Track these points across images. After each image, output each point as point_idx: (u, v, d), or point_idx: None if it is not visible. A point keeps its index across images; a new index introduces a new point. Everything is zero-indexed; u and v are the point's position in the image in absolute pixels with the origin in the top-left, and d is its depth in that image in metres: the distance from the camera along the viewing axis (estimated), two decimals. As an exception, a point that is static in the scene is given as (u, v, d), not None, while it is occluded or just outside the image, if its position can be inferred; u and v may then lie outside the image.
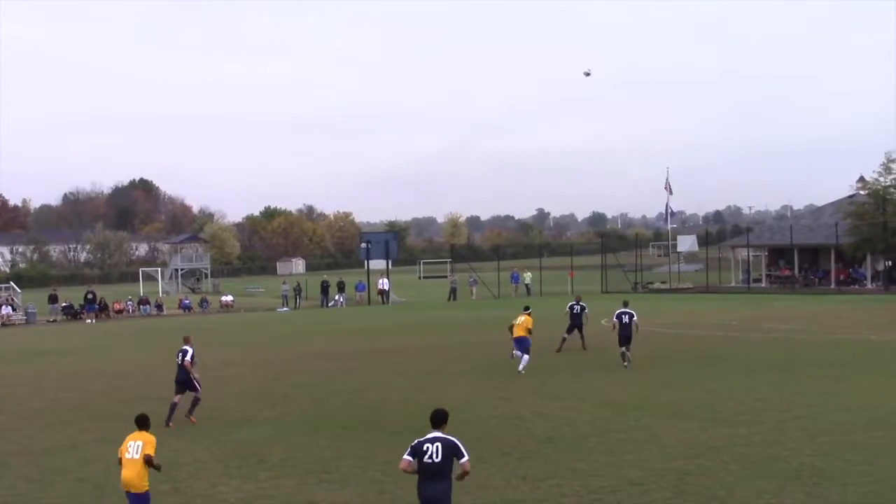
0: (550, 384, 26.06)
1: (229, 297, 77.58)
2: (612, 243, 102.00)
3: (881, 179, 65.68)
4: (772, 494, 14.25)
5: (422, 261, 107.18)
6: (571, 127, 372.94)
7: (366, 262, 75.71)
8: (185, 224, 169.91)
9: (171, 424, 21.28)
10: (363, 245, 77.45)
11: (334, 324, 52.51)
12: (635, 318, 29.94)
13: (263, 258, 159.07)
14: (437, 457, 11.26)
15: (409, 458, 11.42)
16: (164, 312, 70.85)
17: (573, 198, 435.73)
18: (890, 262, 65.89)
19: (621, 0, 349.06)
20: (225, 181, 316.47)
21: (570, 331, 33.86)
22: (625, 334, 29.64)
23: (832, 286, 68.37)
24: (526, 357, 28.69)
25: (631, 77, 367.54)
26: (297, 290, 75.02)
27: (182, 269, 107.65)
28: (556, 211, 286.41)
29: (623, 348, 29.50)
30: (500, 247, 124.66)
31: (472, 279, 75.78)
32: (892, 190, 65.15)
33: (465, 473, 11.39)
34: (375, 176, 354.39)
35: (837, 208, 72.15)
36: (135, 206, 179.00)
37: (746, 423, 19.55)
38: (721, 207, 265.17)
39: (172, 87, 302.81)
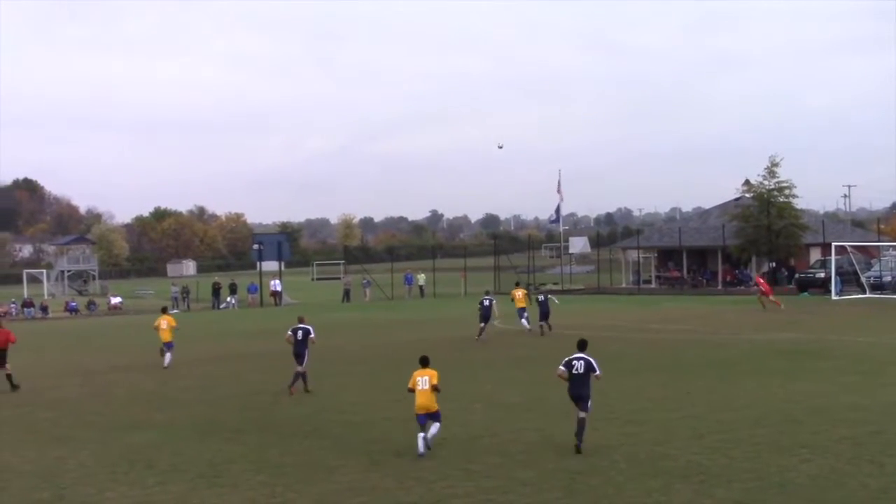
0: (443, 385, 26.00)
1: (118, 300, 76.20)
2: (504, 245, 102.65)
3: (765, 183, 67.22)
4: (660, 492, 14.46)
5: (315, 262, 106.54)
6: (464, 128, 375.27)
7: (258, 263, 75.03)
8: (71, 225, 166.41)
9: (292, 391, 24.95)
10: (255, 246, 76.78)
11: (225, 326, 51.87)
12: (551, 296, 40.49)
13: (153, 260, 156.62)
14: (581, 369, 17.36)
15: (563, 369, 17.52)
16: (50, 315, 69.30)
17: (466, 199, 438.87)
18: (773, 264, 67.59)
19: (513, 3, 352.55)
20: (113, 181, 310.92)
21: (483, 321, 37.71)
22: (543, 311, 38.58)
23: (719, 287, 69.88)
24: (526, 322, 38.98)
25: (523, 79, 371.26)
26: (185, 293, 73.97)
27: (68, 271, 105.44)
28: (449, 212, 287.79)
29: (542, 323, 38.28)
30: (393, 248, 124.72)
31: (365, 281, 75.68)
32: (775, 193, 66.75)
33: (597, 380, 17.60)
34: (268, 176, 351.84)
35: (724, 211, 73.71)
36: (18, 206, 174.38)
37: (636, 422, 19.82)
38: (612, 210, 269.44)
39: (59, 85, 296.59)
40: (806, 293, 60.53)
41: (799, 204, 69.37)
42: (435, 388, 17.68)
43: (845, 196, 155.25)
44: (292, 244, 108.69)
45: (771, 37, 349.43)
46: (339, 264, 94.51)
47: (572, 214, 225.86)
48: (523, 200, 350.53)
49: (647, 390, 23.95)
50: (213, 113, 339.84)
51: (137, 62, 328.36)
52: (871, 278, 59.38)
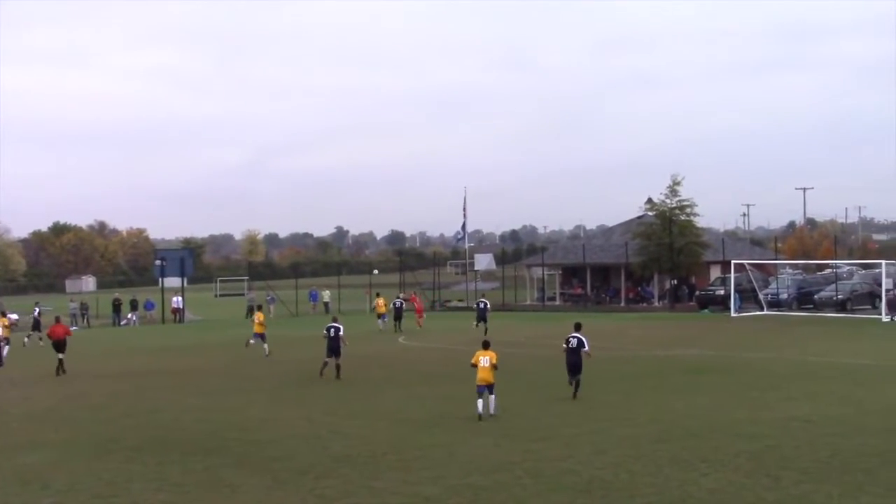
0: (348, 402, 25.97)
1: (14, 316, 74.25)
2: (410, 261, 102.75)
3: (667, 201, 68.24)
4: (563, 507, 14.54)
5: (218, 278, 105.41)
6: (370, 145, 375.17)
7: (160, 279, 73.86)
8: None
9: (322, 375, 30.44)
10: (157, 262, 75.58)
11: (126, 343, 51.01)
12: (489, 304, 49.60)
13: (51, 276, 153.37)
14: (574, 345, 24.62)
15: (565, 345, 24.85)
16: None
17: (372, 216, 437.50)
18: (675, 281, 68.74)
19: (418, 22, 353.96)
20: (10, 195, 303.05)
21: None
22: (481, 315, 46.84)
23: (622, 304, 70.82)
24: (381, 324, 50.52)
25: (431, 95, 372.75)
26: (84, 309, 72.52)
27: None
28: (355, 229, 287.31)
29: (480, 323, 45.90)
30: (298, 264, 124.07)
31: (269, 297, 75.00)
32: (677, 212, 67.84)
33: (587, 355, 24.98)
34: (171, 191, 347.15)
35: (627, 228, 74.73)
36: None
37: (540, 438, 19.91)
38: (517, 227, 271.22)
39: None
40: (706, 310, 61.64)
41: (699, 222, 70.80)
42: (494, 367, 22.23)
43: (744, 215, 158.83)
44: (195, 260, 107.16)
45: (676, 57, 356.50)
46: (243, 280, 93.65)
47: (478, 231, 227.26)
48: (429, 217, 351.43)
49: (552, 406, 24.09)
50: (116, 126, 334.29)
51: (38, 74, 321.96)
52: (769, 295, 60.74)
